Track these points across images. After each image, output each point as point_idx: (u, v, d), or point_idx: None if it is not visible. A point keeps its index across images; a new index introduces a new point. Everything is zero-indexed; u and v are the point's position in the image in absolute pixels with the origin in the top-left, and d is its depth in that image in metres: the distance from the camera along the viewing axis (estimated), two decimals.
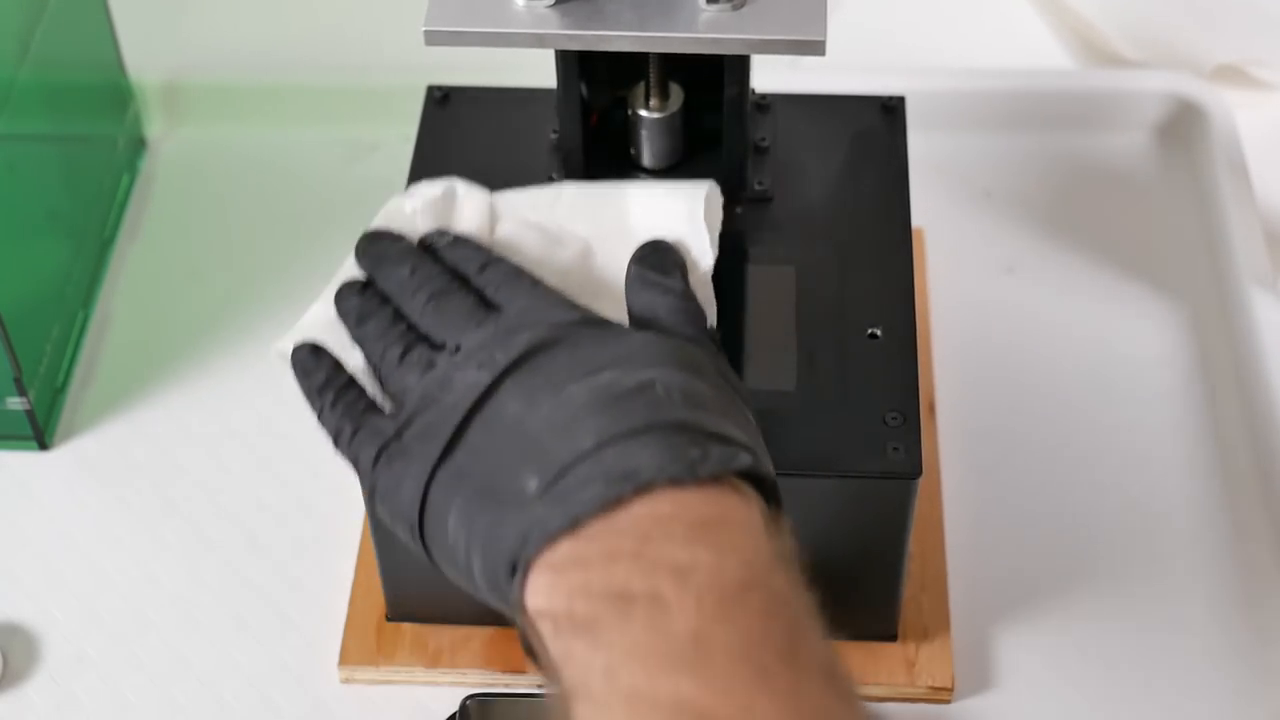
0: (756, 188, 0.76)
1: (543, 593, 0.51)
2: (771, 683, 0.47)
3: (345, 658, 0.74)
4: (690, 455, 0.51)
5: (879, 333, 0.70)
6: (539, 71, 0.75)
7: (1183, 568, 0.78)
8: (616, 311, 0.60)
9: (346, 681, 0.75)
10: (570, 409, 0.53)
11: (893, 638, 0.74)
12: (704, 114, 0.76)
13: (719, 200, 0.64)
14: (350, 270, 0.64)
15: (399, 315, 0.60)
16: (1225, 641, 0.75)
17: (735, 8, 0.65)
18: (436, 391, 0.56)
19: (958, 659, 0.74)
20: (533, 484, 0.52)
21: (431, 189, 0.64)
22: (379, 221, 0.64)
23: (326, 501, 0.81)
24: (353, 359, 0.61)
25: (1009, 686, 0.74)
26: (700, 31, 0.65)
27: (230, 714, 0.74)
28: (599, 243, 0.63)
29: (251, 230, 0.93)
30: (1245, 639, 0.75)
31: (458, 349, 0.57)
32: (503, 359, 0.55)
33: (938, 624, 0.75)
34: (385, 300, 0.61)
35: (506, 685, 0.74)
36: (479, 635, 0.74)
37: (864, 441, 0.67)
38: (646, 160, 0.76)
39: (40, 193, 0.86)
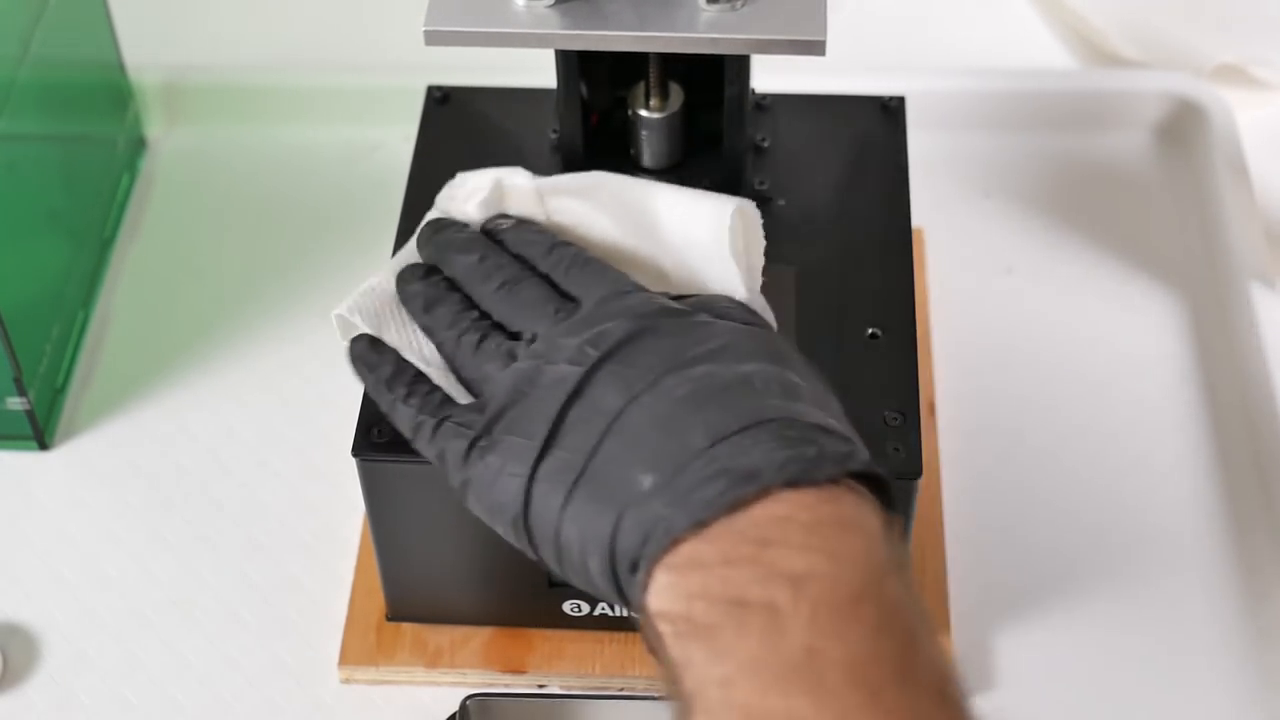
0: (756, 188, 0.76)
1: (664, 594, 0.51)
2: (884, 704, 0.47)
3: (345, 658, 0.74)
4: (806, 453, 0.51)
5: (879, 333, 0.70)
6: (539, 71, 0.75)
7: (1182, 567, 0.78)
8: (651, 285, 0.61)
9: (346, 681, 0.75)
10: (671, 402, 0.53)
11: None
12: (704, 114, 0.76)
13: (755, 217, 0.65)
14: (410, 257, 0.63)
15: (469, 302, 0.60)
16: (1225, 642, 0.75)
17: (735, 8, 0.65)
18: (526, 385, 0.56)
19: (957, 659, 0.74)
20: (647, 481, 0.52)
21: (479, 180, 0.64)
22: (435, 213, 0.64)
23: (326, 501, 0.81)
24: (408, 343, 0.61)
25: (1009, 686, 0.74)
26: (700, 31, 0.65)
27: (230, 714, 0.74)
28: (631, 237, 0.64)
29: (251, 230, 0.93)
30: (1245, 639, 0.75)
31: (535, 338, 0.57)
32: (594, 352, 0.55)
33: (938, 624, 0.75)
34: (451, 287, 0.61)
35: (506, 685, 0.74)
36: (479, 635, 0.74)
37: (864, 441, 0.67)
38: (646, 160, 0.76)
39: (40, 193, 0.86)
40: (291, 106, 0.98)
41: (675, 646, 0.50)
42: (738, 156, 0.75)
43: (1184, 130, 0.96)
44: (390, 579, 0.73)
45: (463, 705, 0.71)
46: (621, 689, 0.73)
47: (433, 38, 0.66)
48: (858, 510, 0.52)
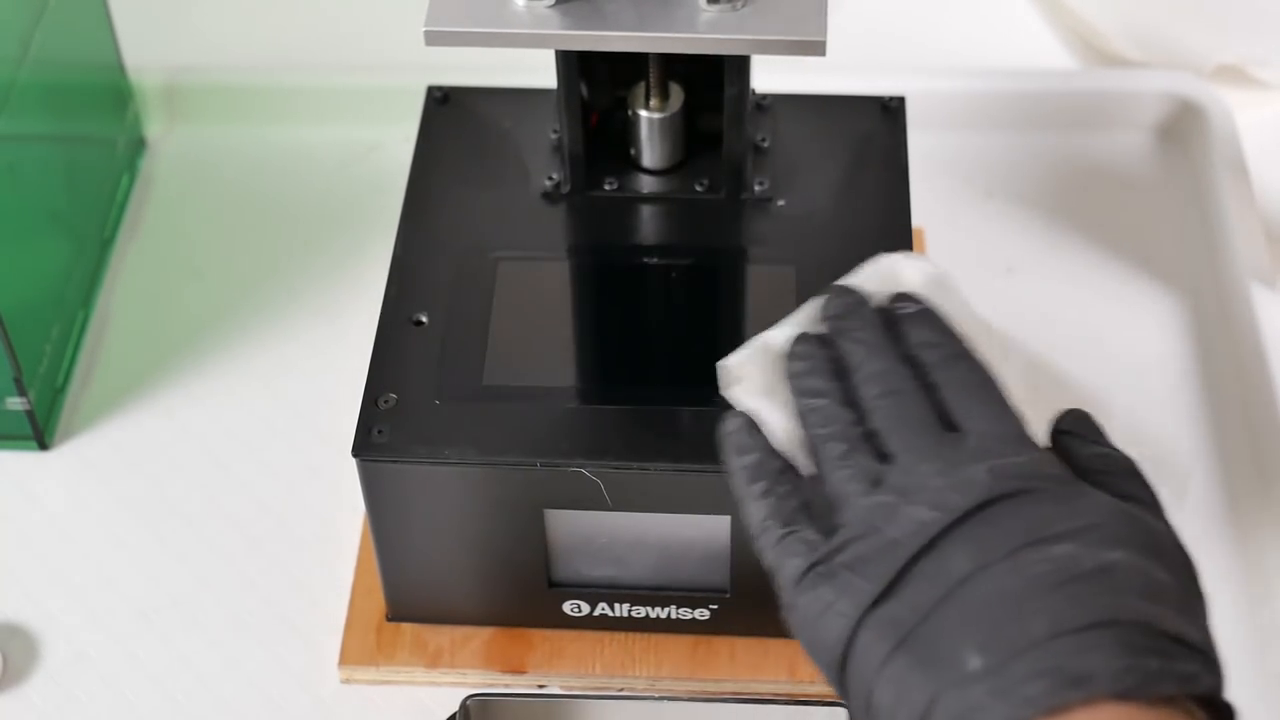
0: (756, 188, 0.76)
1: None
2: None
3: (345, 658, 0.74)
4: (1148, 667, 0.48)
5: None
6: (539, 71, 0.75)
7: None
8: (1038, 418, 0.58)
9: (346, 682, 0.75)
10: (1023, 580, 0.50)
11: None
12: (704, 114, 0.76)
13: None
14: (811, 319, 0.61)
15: (849, 398, 0.57)
16: (1224, 642, 0.75)
17: (735, 8, 0.65)
18: (880, 521, 0.53)
19: None
20: (975, 662, 0.49)
21: (928, 265, 0.61)
22: (862, 275, 0.61)
23: (326, 501, 0.81)
24: (779, 413, 0.58)
25: None
26: (700, 31, 0.65)
27: (230, 714, 0.74)
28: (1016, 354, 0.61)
29: (251, 230, 0.93)
30: (1245, 639, 0.75)
31: (905, 466, 0.54)
32: (959, 503, 0.52)
33: None
34: (837, 373, 0.58)
35: (506, 685, 0.74)
36: (479, 635, 0.74)
37: None
38: (646, 160, 0.76)
39: (40, 193, 0.86)
40: (291, 107, 0.98)
41: None
42: (738, 156, 0.75)
43: (1184, 130, 0.96)
44: (390, 579, 0.73)
45: (463, 705, 0.71)
46: (621, 689, 0.73)
47: (433, 38, 0.66)
48: None
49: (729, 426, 0.59)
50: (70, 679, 0.75)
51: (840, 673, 0.53)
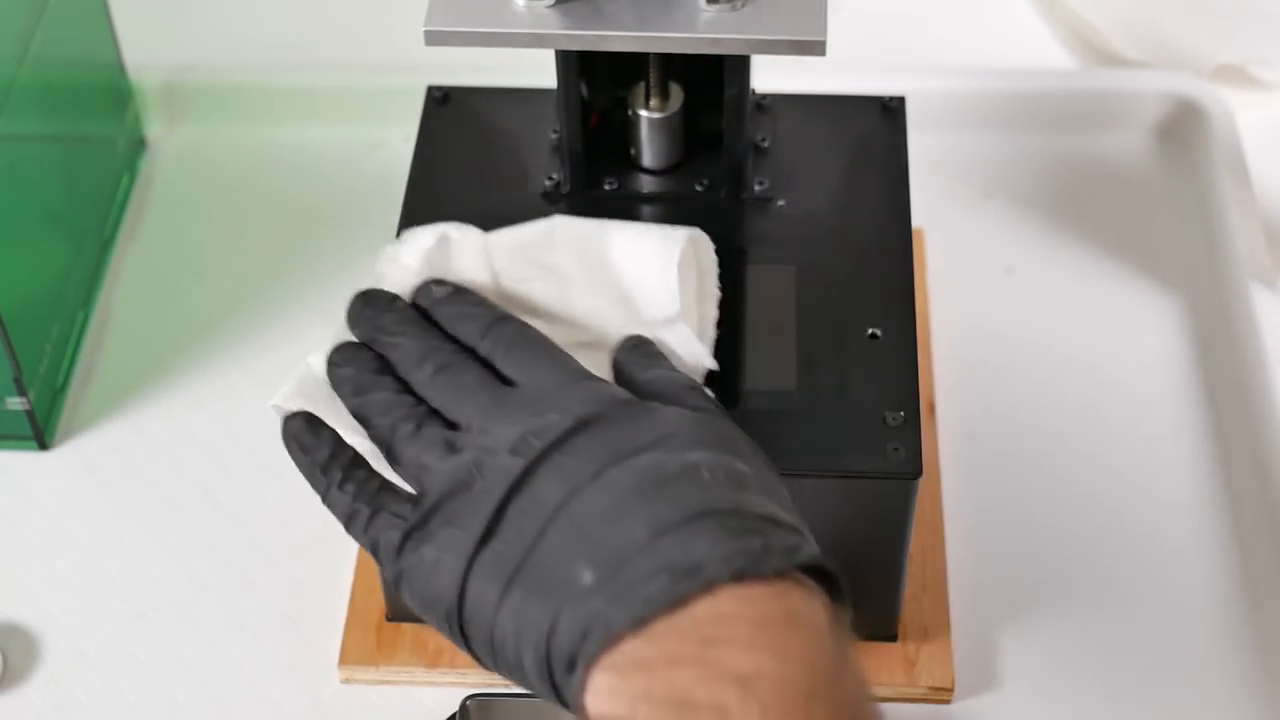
0: (756, 188, 0.76)
1: (604, 695, 0.49)
2: None
3: (345, 658, 0.74)
4: (752, 546, 0.50)
5: (879, 333, 0.70)
6: (539, 71, 0.75)
7: (1182, 567, 0.78)
8: (597, 356, 0.59)
9: (346, 681, 0.75)
10: (615, 494, 0.51)
11: (893, 638, 0.74)
12: (704, 114, 0.76)
13: (708, 249, 0.64)
14: (342, 331, 0.61)
15: (404, 386, 0.58)
16: (1225, 642, 0.75)
17: (735, 8, 0.65)
18: (466, 476, 0.54)
19: (958, 659, 0.74)
20: (587, 576, 0.50)
21: (424, 238, 0.62)
22: (373, 277, 0.62)
23: None
24: (346, 428, 0.58)
25: (1009, 687, 0.74)
26: (700, 31, 0.65)
27: (230, 714, 0.74)
28: (583, 282, 0.63)
29: (251, 230, 0.93)
30: (1245, 639, 0.75)
31: (476, 427, 0.55)
32: (538, 444, 0.53)
33: (938, 624, 0.75)
34: (383, 368, 0.59)
35: (506, 685, 0.73)
36: None
37: (864, 441, 0.67)
38: (646, 160, 0.76)
39: (40, 193, 0.86)
40: (291, 106, 0.98)
41: None
42: (738, 156, 0.75)
43: (1184, 130, 0.96)
44: None
45: (463, 705, 0.71)
46: None
47: (433, 38, 0.66)
48: (806, 605, 0.50)
49: (289, 429, 0.59)
50: (70, 679, 0.75)
51: (459, 623, 0.53)
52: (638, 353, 0.60)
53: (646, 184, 0.77)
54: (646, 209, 0.76)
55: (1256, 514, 0.79)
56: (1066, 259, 0.91)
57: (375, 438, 0.58)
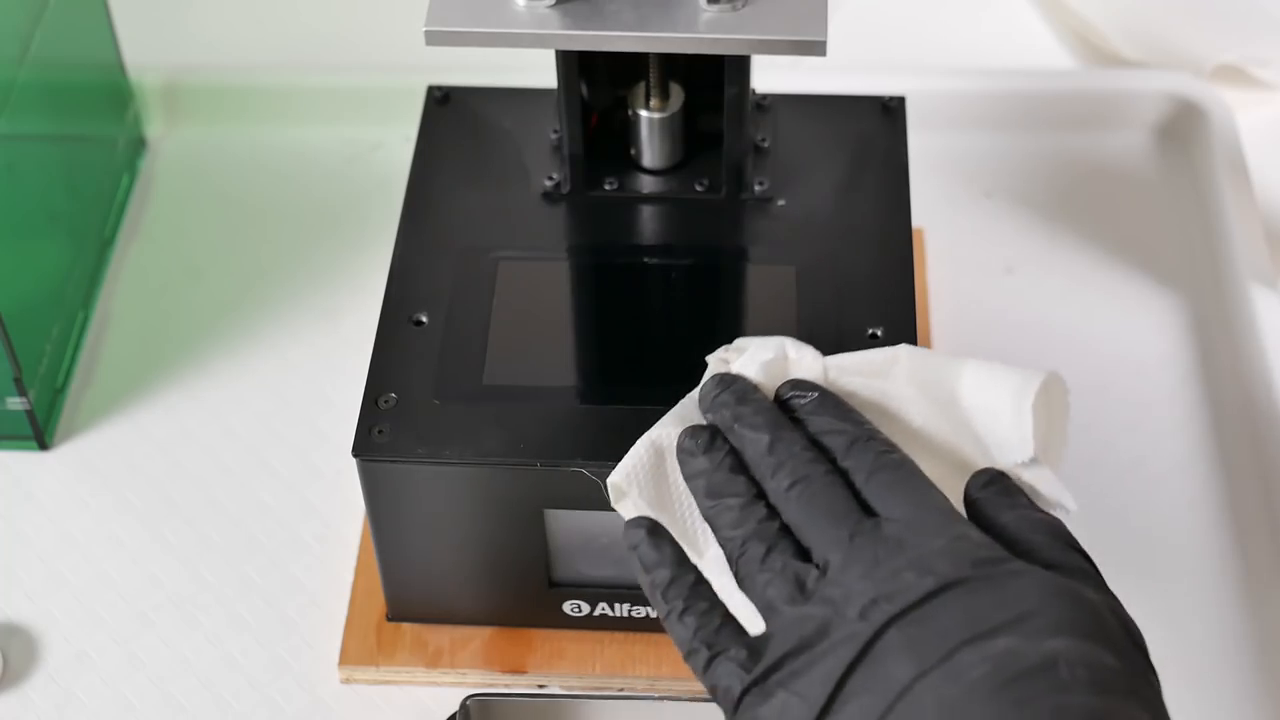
0: (756, 188, 0.76)
1: None
2: None
3: (345, 658, 0.74)
4: None
5: (879, 333, 0.70)
6: (539, 71, 0.75)
7: (1182, 567, 0.78)
8: (946, 488, 0.56)
9: (346, 681, 0.75)
10: (963, 684, 0.48)
11: None
12: (704, 114, 0.76)
13: (1062, 390, 0.60)
14: (692, 412, 0.58)
15: (755, 490, 0.55)
16: (1225, 641, 0.75)
17: (735, 8, 0.65)
18: (811, 635, 0.51)
19: None
20: None
21: (761, 352, 0.59)
22: (714, 367, 0.59)
23: (326, 501, 0.81)
24: (685, 526, 0.57)
25: None
26: (700, 31, 0.65)
27: (230, 714, 0.74)
28: (927, 414, 0.59)
29: (251, 230, 0.93)
30: (1245, 639, 0.75)
31: (827, 566, 0.52)
32: (888, 609, 0.50)
33: None
34: (738, 465, 0.56)
35: (506, 685, 0.74)
36: (479, 635, 0.74)
37: None
38: (646, 160, 0.77)
39: (40, 193, 0.86)
40: (292, 106, 0.98)
41: None
42: (738, 156, 0.75)
43: (1184, 130, 0.96)
44: (390, 579, 0.73)
45: (463, 705, 0.71)
46: (621, 689, 0.73)
47: (433, 38, 0.66)
48: None
49: (631, 540, 0.57)
50: (70, 679, 0.75)
51: None
52: (995, 489, 0.56)
53: (646, 184, 0.77)
54: (646, 209, 0.76)
55: (1256, 514, 0.79)
56: (1066, 259, 0.91)
57: (725, 549, 0.55)
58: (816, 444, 0.56)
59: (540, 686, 0.74)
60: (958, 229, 0.92)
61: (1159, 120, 0.97)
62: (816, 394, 0.58)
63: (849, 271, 0.73)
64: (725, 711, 0.53)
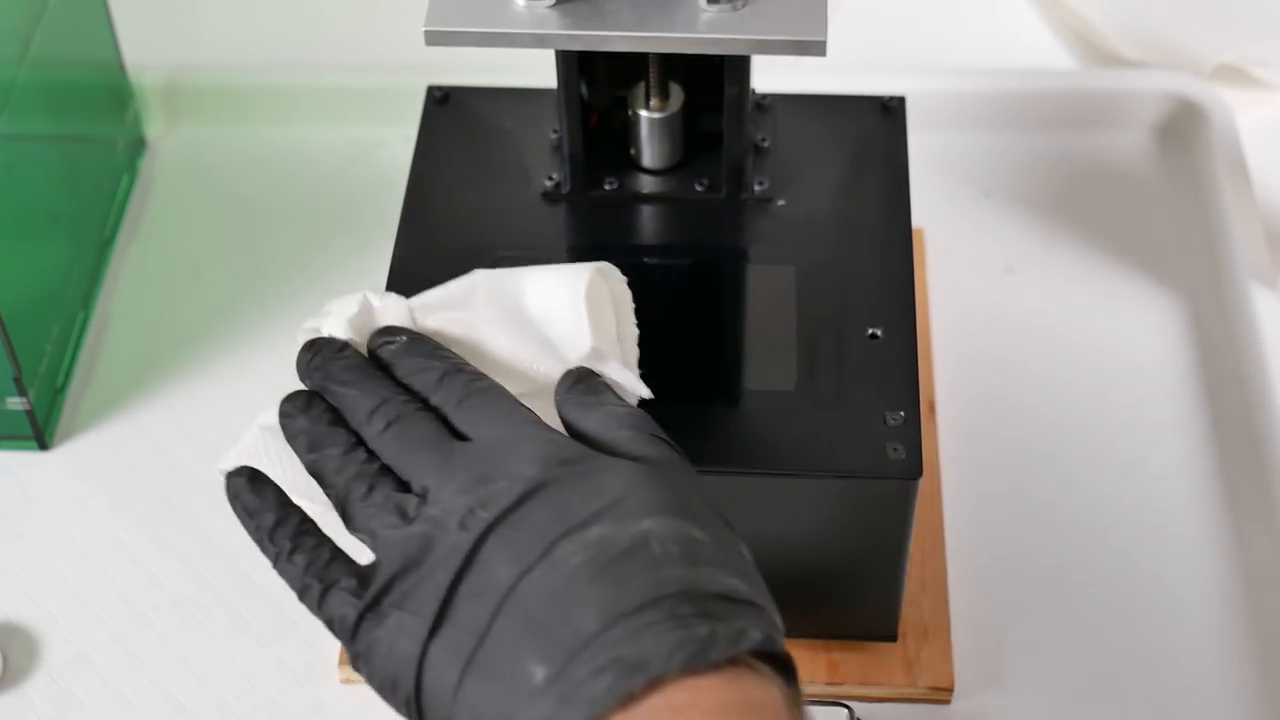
0: (756, 188, 0.76)
1: None
2: None
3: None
4: (699, 634, 0.49)
5: (879, 333, 0.70)
6: (539, 71, 0.75)
7: (1182, 567, 0.78)
8: (543, 404, 0.58)
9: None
10: (563, 575, 0.50)
11: (893, 638, 0.74)
12: (704, 114, 0.76)
13: (619, 280, 0.62)
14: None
15: (355, 439, 0.57)
16: (1225, 642, 0.75)
17: (735, 8, 0.65)
18: (416, 553, 0.53)
19: (958, 659, 0.74)
20: (538, 672, 0.49)
21: (346, 305, 0.61)
22: (304, 337, 0.61)
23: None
24: (292, 480, 0.58)
25: (1009, 687, 0.74)
26: (700, 31, 0.65)
27: (230, 714, 0.74)
28: (509, 332, 0.61)
29: (251, 230, 0.93)
30: (1245, 639, 0.75)
31: (426, 491, 0.54)
32: (485, 516, 0.52)
33: (938, 624, 0.75)
34: (336, 419, 0.58)
35: None
36: None
37: (864, 441, 0.67)
38: (646, 160, 0.76)
39: (40, 193, 0.86)
40: (291, 106, 0.98)
41: None
42: (738, 156, 0.75)
43: (1184, 130, 0.96)
44: None
45: None
46: None
47: (433, 38, 0.66)
48: (760, 690, 0.49)
49: (233, 489, 0.58)
50: (70, 679, 0.75)
51: (417, 709, 0.52)
52: (579, 389, 0.58)
53: (646, 184, 0.77)
54: (646, 209, 0.76)
55: (1257, 514, 0.79)
56: (1066, 259, 0.91)
57: (332, 498, 0.57)
58: (407, 387, 0.58)
59: None
60: (958, 229, 0.92)
61: (1159, 120, 0.97)
62: (404, 337, 0.59)
63: (849, 271, 0.73)
64: (344, 642, 0.54)
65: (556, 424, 0.57)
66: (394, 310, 0.61)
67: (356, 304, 0.61)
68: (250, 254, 0.92)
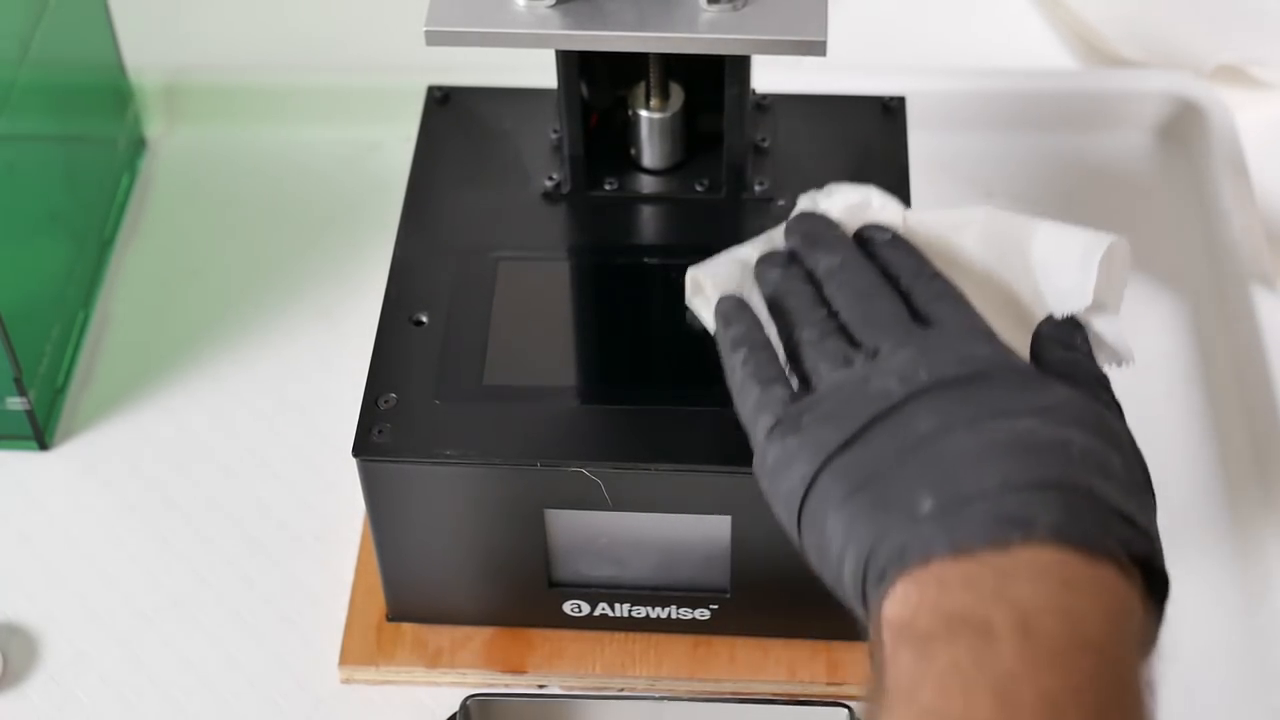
0: (756, 188, 0.76)
1: (897, 601, 0.51)
2: None
3: (345, 658, 0.74)
4: (1086, 524, 0.50)
5: None
6: (539, 71, 0.75)
7: (1182, 567, 0.77)
8: (1011, 334, 0.60)
9: (346, 681, 0.75)
10: (984, 443, 0.52)
11: None
12: (704, 114, 0.76)
13: (1125, 256, 0.64)
14: (777, 241, 0.64)
15: (821, 300, 0.60)
16: (1225, 640, 0.75)
17: (735, 8, 0.65)
18: (849, 388, 0.55)
19: None
20: (927, 504, 0.51)
21: (849, 193, 0.64)
22: (804, 207, 0.64)
23: (326, 501, 0.81)
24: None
25: None
26: (700, 31, 0.65)
27: (230, 714, 0.74)
28: (1000, 269, 0.63)
29: (251, 230, 0.93)
30: (1245, 638, 0.75)
31: (876, 353, 0.56)
32: (925, 377, 0.55)
33: None
34: (808, 280, 0.61)
35: (506, 685, 0.74)
36: (479, 635, 0.74)
37: None
38: (647, 160, 0.77)
39: (40, 193, 0.86)
40: (292, 106, 0.98)
41: (890, 649, 0.50)
42: (738, 156, 0.75)
43: (1184, 130, 0.96)
44: (390, 579, 0.73)
45: (463, 705, 0.71)
46: (621, 689, 0.73)
47: (433, 38, 0.66)
48: (1120, 589, 0.50)
49: (722, 305, 0.62)
50: (70, 679, 0.75)
51: (798, 519, 0.55)
52: (1062, 330, 0.61)
53: (646, 184, 0.77)
54: (647, 209, 0.76)
55: (1256, 514, 0.79)
56: None
57: (781, 332, 0.60)
58: (885, 273, 0.60)
59: (540, 686, 0.74)
60: None
61: (1159, 120, 0.97)
62: (891, 235, 0.62)
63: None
64: (755, 444, 0.57)
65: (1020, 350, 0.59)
66: (891, 210, 0.64)
67: (859, 195, 0.64)
68: (250, 254, 0.92)
